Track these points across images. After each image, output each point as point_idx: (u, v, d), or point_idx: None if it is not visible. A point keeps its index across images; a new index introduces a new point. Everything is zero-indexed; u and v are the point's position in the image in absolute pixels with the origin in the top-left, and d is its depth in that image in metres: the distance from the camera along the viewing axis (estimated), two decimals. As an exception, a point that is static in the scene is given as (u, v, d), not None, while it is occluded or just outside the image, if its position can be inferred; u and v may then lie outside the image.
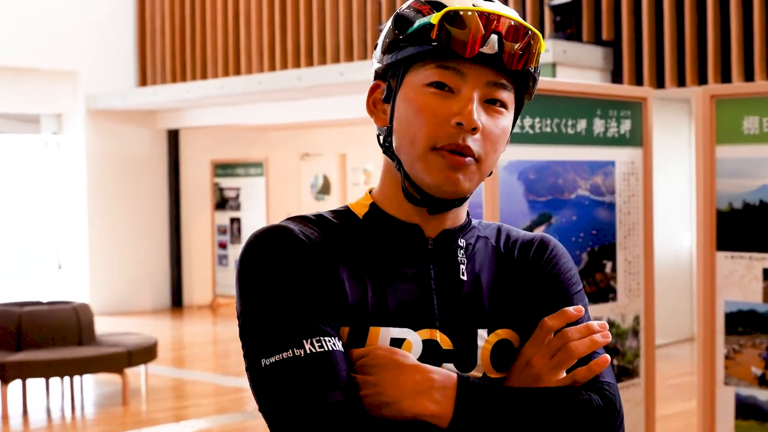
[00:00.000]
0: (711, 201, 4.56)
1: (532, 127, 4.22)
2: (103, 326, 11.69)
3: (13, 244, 16.02)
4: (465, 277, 1.78)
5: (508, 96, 1.73)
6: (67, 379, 9.01)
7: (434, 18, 1.68)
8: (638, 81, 10.43)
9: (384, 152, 1.79)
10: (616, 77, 10.58)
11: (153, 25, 15.57)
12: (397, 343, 1.69)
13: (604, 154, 4.54)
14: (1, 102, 14.84)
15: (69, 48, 14.89)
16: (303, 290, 1.66)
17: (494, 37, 1.67)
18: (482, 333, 1.75)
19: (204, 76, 14.75)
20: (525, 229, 4.11)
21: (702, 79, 10.00)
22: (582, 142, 4.44)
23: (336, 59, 12.94)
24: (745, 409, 4.55)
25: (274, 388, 1.63)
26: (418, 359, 1.69)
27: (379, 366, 1.65)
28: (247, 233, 15.52)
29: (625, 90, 5.02)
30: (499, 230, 1.88)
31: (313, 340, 1.63)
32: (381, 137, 1.80)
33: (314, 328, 1.64)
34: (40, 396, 9.21)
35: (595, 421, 1.70)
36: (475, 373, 1.74)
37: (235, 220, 15.80)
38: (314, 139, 17.18)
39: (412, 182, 1.73)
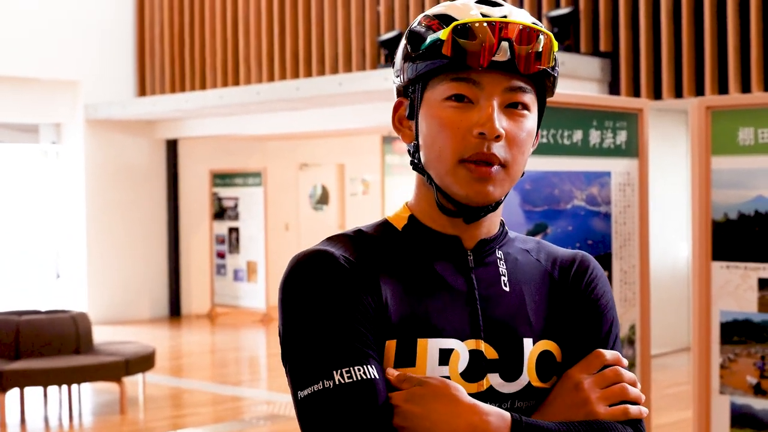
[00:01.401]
0: (707, 211, 4.58)
1: (528, 137, 4.24)
2: (101, 335, 11.71)
3: (11, 253, 16.02)
4: (507, 288, 1.79)
5: (528, 98, 1.74)
6: (65, 387, 9.02)
7: (443, 33, 1.70)
8: (635, 92, 10.46)
9: (414, 168, 1.80)
10: (614, 88, 10.61)
11: (152, 36, 15.60)
12: (445, 353, 1.70)
13: (600, 164, 4.56)
14: (0, 111, 14.85)
15: (68, 58, 14.91)
16: (337, 317, 1.67)
17: (505, 44, 1.68)
18: (527, 342, 1.76)
19: (203, 87, 14.78)
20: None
21: (699, 91, 10.03)
22: (578, 153, 4.46)
23: (335, 70, 12.97)
24: (740, 418, 4.57)
25: (308, 422, 1.65)
26: (465, 369, 1.71)
27: (432, 398, 1.64)
28: (245, 243, 15.54)
29: (621, 101, 5.04)
30: (538, 245, 1.90)
31: (343, 371, 1.64)
32: (410, 152, 1.81)
33: (345, 357, 1.64)
34: (37, 405, 9.22)
35: None
36: (521, 382, 1.74)
37: (233, 230, 15.80)
38: (313, 150, 17.20)
39: (445, 194, 1.74)
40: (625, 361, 1.80)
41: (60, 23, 14.84)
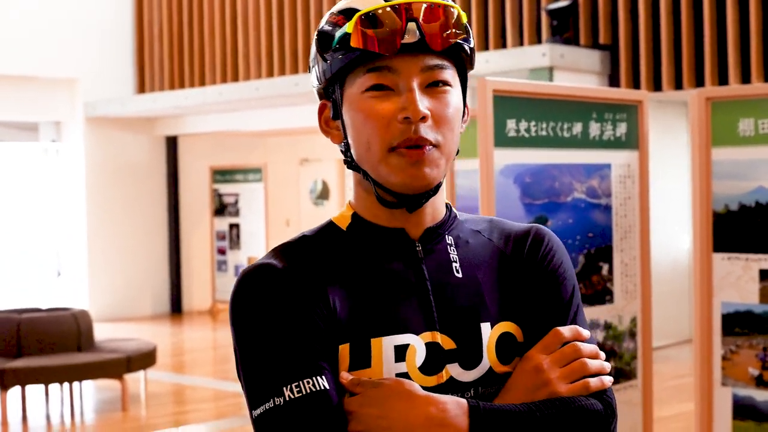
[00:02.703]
0: (707, 203, 4.58)
1: (528, 130, 4.23)
2: (102, 332, 11.69)
3: (12, 251, 16.03)
4: (460, 274, 1.76)
5: (447, 74, 1.71)
6: (66, 385, 9.02)
7: (349, 26, 1.68)
8: (635, 84, 10.44)
9: (348, 167, 1.78)
10: (614, 81, 10.59)
11: (151, 33, 15.59)
12: (401, 349, 1.68)
13: (600, 157, 4.55)
14: (0, 110, 14.84)
15: (67, 56, 14.90)
16: (284, 332, 1.65)
17: (412, 25, 1.66)
18: (485, 327, 1.74)
19: (202, 83, 14.78)
20: (521, 232, 4.14)
21: (699, 82, 10.02)
22: (578, 146, 4.45)
23: (334, 65, 12.95)
24: (742, 409, 4.56)
25: None
26: (422, 363, 1.69)
27: (387, 397, 1.63)
28: (246, 239, 15.55)
29: (621, 93, 5.04)
30: (491, 223, 1.87)
31: (292, 386, 1.63)
32: (343, 152, 1.79)
33: (294, 371, 1.63)
34: (39, 402, 9.22)
35: (599, 427, 1.71)
36: (482, 368, 1.72)
37: (234, 226, 15.81)
38: (313, 145, 17.20)
39: (383, 187, 1.72)
40: (586, 333, 1.77)
41: (59, 21, 14.82)
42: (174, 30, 15.30)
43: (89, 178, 15.19)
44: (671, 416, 8.20)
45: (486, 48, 11.38)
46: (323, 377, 1.64)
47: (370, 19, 1.67)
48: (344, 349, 1.67)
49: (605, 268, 4.56)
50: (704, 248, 4.59)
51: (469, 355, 1.72)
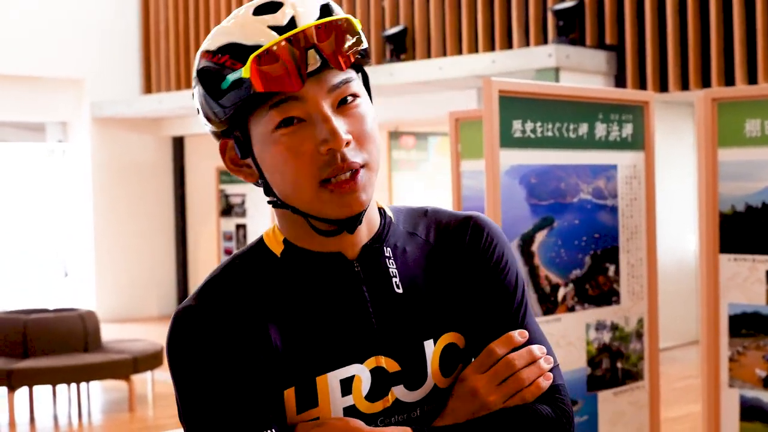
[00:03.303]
0: (713, 204, 4.57)
1: (533, 131, 4.23)
2: (109, 333, 11.70)
3: (19, 251, 16.05)
4: (400, 290, 1.69)
5: (354, 85, 1.61)
6: (73, 385, 9.03)
7: (245, 71, 1.54)
8: (642, 85, 10.44)
9: (274, 206, 1.67)
10: (620, 81, 10.58)
11: (157, 33, 15.61)
12: (347, 382, 1.63)
13: (606, 157, 4.55)
14: (6, 110, 14.88)
15: (74, 56, 14.92)
16: (228, 385, 1.57)
17: (311, 53, 1.55)
18: (428, 345, 1.68)
19: (208, 83, 14.77)
20: (527, 234, 4.14)
21: (705, 83, 10.01)
22: (584, 146, 4.45)
23: (340, 65, 12.95)
24: (749, 411, 4.56)
25: None
26: (368, 391, 1.65)
27: None
28: (252, 239, 15.53)
29: (627, 94, 5.03)
30: (427, 219, 1.77)
31: None
32: (264, 191, 1.68)
33: (243, 423, 1.57)
34: (46, 403, 9.24)
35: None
36: (426, 387, 1.68)
37: (240, 227, 15.81)
38: (319, 145, 17.21)
39: (319, 218, 1.62)
40: (519, 339, 1.71)
41: (65, 22, 14.84)
42: (180, 29, 15.31)
43: (96, 178, 15.21)
44: (678, 417, 8.20)
45: (492, 48, 11.38)
46: (273, 430, 1.58)
47: (265, 58, 1.53)
48: (290, 393, 1.61)
49: (611, 269, 4.56)
50: (711, 249, 4.58)
51: (414, 376, 1.68)
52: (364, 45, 1.62)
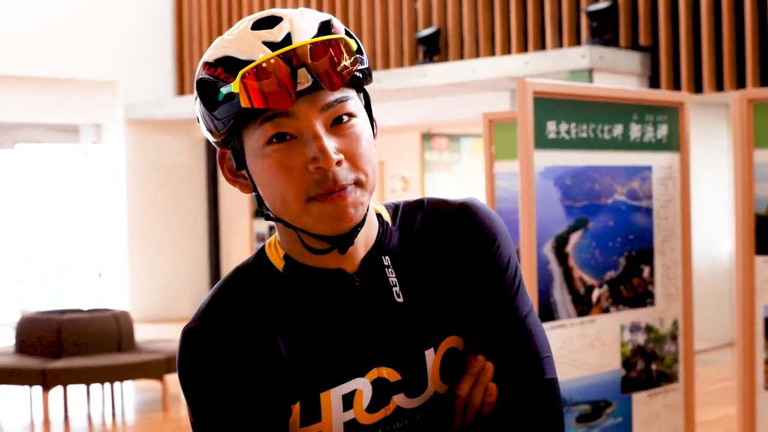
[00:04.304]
0: (749, 205, 4.55)
1: (568, 132, 4.22)
2: (142, 333, 11.74)
3: (53, 252, 16.15)
4: (401, 299, 1.68)
5: (350, 104, 1.60)
6: (107, 385, 9.07)
7: (234, 86, 1.54)
8: (676, 86, 10.39)
9: (266, 219, 1.67)
10: (654, 83, 10.54)
11: (191, 35, 15.67)
12: (348, 397, 1.65)
13: (640, 159, 4.53)
14: (41, 112, 14.97)
15: (108, 59, 15.00)
16: (237, 397, 1.61)
17: (302, 71, 1.53)
18: (428, 353, 1.69)
19: (242, 85, 14.81)
20: (561, 235, 4.13)
21: (740, 83, 9.95)
22: (618, 147, 4.43)
23: (373, 67, 12.96)
24: (785, 414, 4.53)
25: None
26: (370, 402, 1.67)
27: None
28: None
29: (662, 95, 5.01)
30: (424, 210, 1.75)
31: None
32: (257, 205, 1.68)
33: None
34: (80, 402, 9.29)
35: (537, 429, 1.68)
36: (427, 394, 1.69)
37: (273, 228, 15.85)
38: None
39: (310, 234, 1.61)
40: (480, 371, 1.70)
41: (99, 24, 14.92)
42: (213, 32, 15.36)
43: (129, 179, 15.29)
44: (713, 420, 8.15)
45: (525, 50, 11.36)
46: None
47: (256, 74, 1.53)
48: (295, 408, 1.64)
49: (646, 270, 4.54)
50: (746, 251, 4.56)
51: (414, 384, 1.69)
52: (363, 65, 1.60)
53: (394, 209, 1.75)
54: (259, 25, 1.59)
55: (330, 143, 1.55)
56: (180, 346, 1.65)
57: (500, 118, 7.09)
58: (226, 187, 16.19)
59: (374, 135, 1.66)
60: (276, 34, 1.57)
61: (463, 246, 1.71)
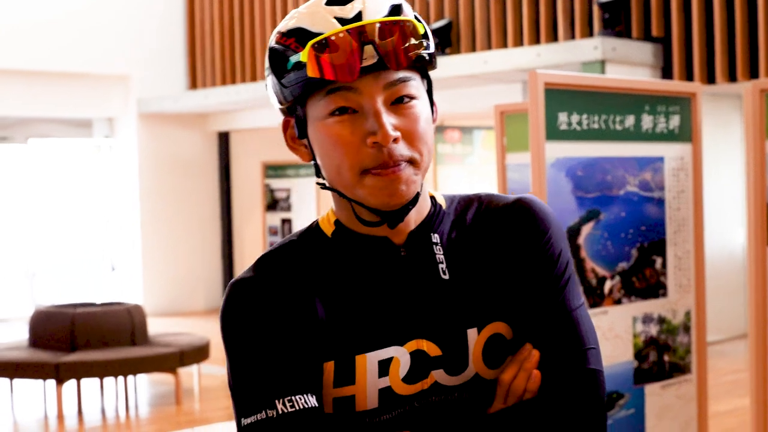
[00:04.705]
0: (761, 196, 4.53)
1: (579, 123, 4.21)
2: (155, 327, 11.79)
3: (67, 246, 16.19)
4: (447, 276, 1.72)
5: (412, 85, 1.66)
6: (120, 379, 9.10)
7: (303, 55, 1.61)
8: (689, 77, 10.35)
9: (322, 188, 1.73)
10: (667, 73, 10.51)
11: (203, 28, 15.67)
12: (384, 364, 1.68)
13: (652, 149, 4.52)
14: (54, 107, 15.00)
15: (120, 53, 15.02)
16: (275, 348, 1.66)
17: (369, 48, 1.60)
18: (471, 333, 1.71)
19: (254, 78, 14.83)
20: (573, 227, 4.12)
21: (753, 74, 9.92)
22: (630, 138, 4.42)
23: (385, 59, 12.95)
24: (798, 405, 4.51)
25: None
26: (407, 373, 1.69)
27: None
28: (297, 234, 15.57)
29: (674, 85, 5.00)
30: (479, 203, 1.81)
31: (285, 400, 1.63)
32: (315, 173, 1.75)
33: (286, 386, 1.64)
34: (94, 396, 9.31)
35: (575, 423, 1.69)
36: (467, 374, 1.71)
37: (286, 221, 15.86)
38: (364, 140, 17.21)
39: (362, 205, 1.68)
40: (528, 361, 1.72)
41: (111, 18, 14.94)
42: (225, 25, 15.36)
43: (142, 173, 15.31)
44: (727, 412, 8.13)
45: (537, 41, 11.34)
46: (313, 396, 1.65)
47: (324, 46, 1.60)
48: (329, 367, 1.68)
49: (659, 261, 4.53)
50: (759, 241, 4.54)
51: (455, 362, 1.71)
52: (430, 49, 1.67)
53: (450, 198, 1.82)
54: (333, 1, 1.66)
55: (389, 120, 1.62)
56: (226, 296, 1.71)
57: (512, 110, 7.08)
58: (238, 181, 16.21)
59: (434, 119, 1.72)
60: (348, 10, 1.63)
61: (514, 236, 1.75)
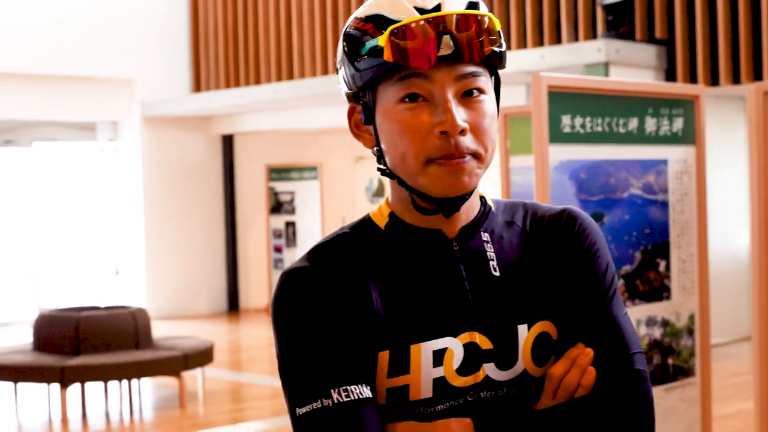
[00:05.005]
0: (765, 198, 4.52)
1: (583, 126, 4.21)
2: (160, 330, 11.79)
3: (71, 250, 16.20)
4: (497, 273, 1.75)
5: (482, 81, 1.69)
6: (125, 382, 9.10)
7: (381, 40, 1.65)
8: (692, 79, 10.34)
9: (383, 174, 1.76)
10: (670, 76, 10.50)
11: (206, 32, 15.68)
12: (439, 354, 1.70)
13: (656, 152, 4.51)
14: (58, 110, 15.01)
15: (124, 56, 15.03)
16: (330, 337, 1.67)
17: (446, 38, 1.63)
18: (522, 329, 1.74)
19: (257, 81, 14.84)
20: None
21: (757, 76, 9.90)
22: (634, 141, 4.42)
23: (388, 62, 12.94)
24: (803, 407, 4.51)
25: None
26: (460, 365, 1.71)
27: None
28: (302, 237, 15.59)
29: (677, 88, 4.99)
30: (525, 210, 1.85)
31: (341, 390, 1.64)
32: (376, 159, 1.78)
33: (341, 375, 1.65)
34: (98, 399, 9.31)
35: (624, 421, 1.70)
36: (516, 369, 1.73)
37: (290, 224, 15.86)
38: (368, 143, 17.19)
39: (420, 194, 1.71)
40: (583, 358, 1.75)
41: (115, 22, 14.96)
42: (229, 28, 15.37)
43: (146, 176, 15.32)
44: (731, 415, 8.12)
45: (541, 44, 11.33)
46: (366, 387, 1.66)
47: (403, 32, 1.63)
48: (383, 356, 1.69)
49: (662, 264, 4.52)
50: (763, 244, 4.53)
51: (505, 356, 1.73)
52: (501, 48, 1.70)
53: (495, 202, 1.85)
54: None
55: (458, 112, 1.65)
56: (279, 285, 1.72)
57: (515, 113, 7.08)
58: (242, 184, 16.21)
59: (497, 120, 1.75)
60: (427, 2, 1.67)
61: (563, 245, 1.80)
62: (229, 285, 16.10)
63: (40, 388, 9.43)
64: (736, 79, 10.09)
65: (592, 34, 10.91)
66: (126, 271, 15.78)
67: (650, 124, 4.48)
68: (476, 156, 1.68)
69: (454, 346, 1.70)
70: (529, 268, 1.78)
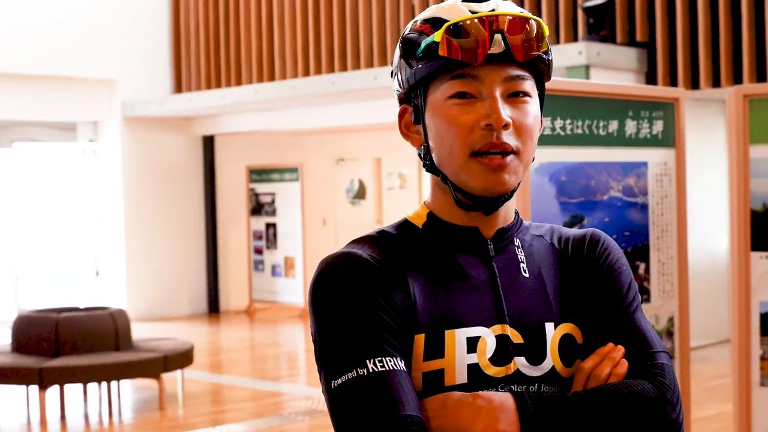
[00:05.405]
0: (745, 201, 4.54)
1: (563, 128, 4.21)
2: (139, 332, 11.76)
3: (51, 251, 16.14)
4: (527, 274, 1.85)
5: (528, 85, 1.79)
6: (104, 384, 9.07)
7: (437, 36, 1.76)
8: (673, 82, 10.37)
9: (427, 170, 1.86)
10: (651, 78, 10.53)
11: (188, 32, 15.65)
12: (472, 341, 1.76)
13: (636, 155, 4.52)
14: (38, 110, 14.96)
15: (105, 56, 14.99)
16: (368, 313, 1.73)
17: (498, 37, 1.74)
18: (549, 327, 1.82)
19: (239, 82, 14.82)
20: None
21: (737, 79, 9.94)
22: (614, 144, 4.42)
23: (370, 64, 12.96)
24: (781, 410, 4.52)
25: (342, 408, 1.70)
26: (492, 354, 1.77)
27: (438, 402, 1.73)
28: (282, 238, 15.57)
29: (657, 90, 5.00)
30: (552, 230, 1.95)
31: (376, 360, 1.70)
32: (422, 156, 1.87)
33: (377, 348, 1.71)
34: (77, 401, 9.28)
35: (651, 410, 1.76)
36: (545, 366, 1.80)
37: (270, 226, 15.84)
38: (349, 144, 17.21)
39: (462, 190, 1.80)
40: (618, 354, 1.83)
41: (96, 22, 14.91)
42: (210, 29, 15.34)
43: (126, 177, 15.28)
44: (710, 417, 8.15)
45: (522, 46, 11.33)
46: (401, 360, 1.72)
47: (458, 30, 1.74)
48: (419, 339, 1.76)
49: (642, 267, 4.53)
50: (742, 247, 4.55)
51: (535, 351, 1.80)
52: (549, 55, 1.82)
53: (529, 223, 1.97)
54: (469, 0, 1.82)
55: (504, 108, 1.76)
56: (320, 267, 1.80)
57: (496, 115, 7.07)
58: (223, 185, 16.18)
59: (539, 128, 1.86)
60: (483, 6, 1.79)
61: (587, 263, 1.90)
62: (210, 286, 16.07)
63: (18, 389, 9.39)
64: (716, 83, 10.13)
65: (573, 37, 10.93)
66: (106, 272, 15.73)
67: (630, 126, 4.48)
68: (517, 153, 1.77)
69: (487, 335, 1.78)
70: (557, 277, 1.88)
